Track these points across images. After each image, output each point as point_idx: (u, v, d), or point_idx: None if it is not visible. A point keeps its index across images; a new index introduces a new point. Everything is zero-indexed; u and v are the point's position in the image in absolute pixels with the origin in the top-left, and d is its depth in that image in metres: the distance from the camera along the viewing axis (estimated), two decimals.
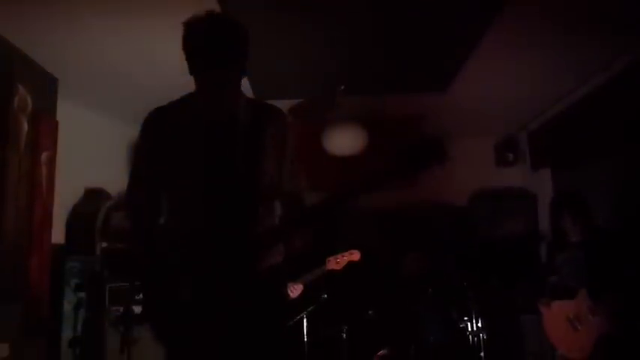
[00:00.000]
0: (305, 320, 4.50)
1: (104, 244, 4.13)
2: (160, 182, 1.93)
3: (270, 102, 4.26)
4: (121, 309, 3.85)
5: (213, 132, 1.88)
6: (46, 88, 3.73)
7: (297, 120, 4.82)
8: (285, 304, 3.10)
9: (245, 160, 1.87)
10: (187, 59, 1.82)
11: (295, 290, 3.47)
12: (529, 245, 5.20)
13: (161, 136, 1.93)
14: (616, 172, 4.21)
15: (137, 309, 3.91)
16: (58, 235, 4.01)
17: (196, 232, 1.82)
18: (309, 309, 4.44)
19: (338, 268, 3.48)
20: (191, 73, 1.83)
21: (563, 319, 3.27)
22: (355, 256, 3.53)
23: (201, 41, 1.76)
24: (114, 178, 4.67)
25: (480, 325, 4.41)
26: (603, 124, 4.13)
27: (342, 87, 4.15)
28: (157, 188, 1.95)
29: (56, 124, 3.82)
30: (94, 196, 4.42)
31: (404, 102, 4.68)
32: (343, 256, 3.49)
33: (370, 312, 4.21)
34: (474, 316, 4.44)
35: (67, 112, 3.99)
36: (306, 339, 4.49)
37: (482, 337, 4.36)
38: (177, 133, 1.89)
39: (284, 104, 4.53)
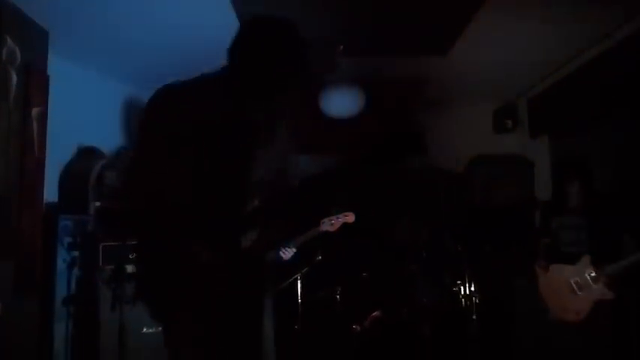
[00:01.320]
0: (299, 282, 4.53)
1: (97, 204, 4.09)
2: (171, 171, 1.81)
3: None
4: (113, 267, 3.86)
5: (246, 130, 1.82)
6: (36, 41, 3.61)
7: None
8: (273, 272, 3.22)
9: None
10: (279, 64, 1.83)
11: (287, 253, 3.42)
12: (524, 212, 5.20)
13: (177, 123, 1.79)
14: (613, 139, 4.18)
15: (130, 267, 3.94)
16: (51, 193, 3.97)
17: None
18: (304, 270, 4.47)
19: (332, 229, 3.46)
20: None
21: (562, 283, 3.28)
22: (350, 217, 3.52)
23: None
24: (107, 137, 4.64)
25: (472, 288, 4.45)
26: (602, 91, 4.09)
27: (341, 47, 4.06)
28: (165, 177, 1.82)
29: (47, 79, 3.71)
30: (87, 154, 4.36)
31: (404, 64, 4.60)
32: (338, 218, 3.47)
33: (364, 274, 4.22)
34: (466, 280, 4.47)
35: (58, 68, 3.90)
36: (300, 300, 4.53)
37: (475, 300, 4.40)
38: (201, 125, 1.77)
39: None
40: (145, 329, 3.96)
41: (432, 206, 5.30)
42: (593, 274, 3.14)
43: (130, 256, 3.98)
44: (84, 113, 4.32)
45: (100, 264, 3.92)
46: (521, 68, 4.73)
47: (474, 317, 4.38)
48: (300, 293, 4.52)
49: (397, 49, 4.31)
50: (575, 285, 3.22)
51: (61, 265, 3.83)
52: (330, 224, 3.45)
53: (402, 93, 5.27)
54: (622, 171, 4.07)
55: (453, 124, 5.66)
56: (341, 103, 4.49)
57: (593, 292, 3.14)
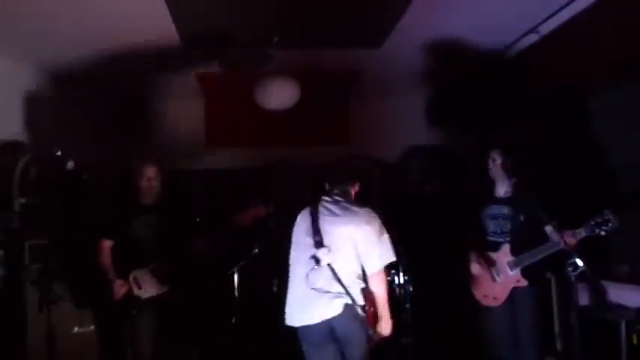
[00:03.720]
0: (236, 275, 4.53)
1: (22, 200, 3.91)
2: None
3: (199, 50, 4.13)
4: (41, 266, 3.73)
5: None
6: None
7: (228, 71, 4.68)
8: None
9: None
10: None
11: (199, 245, 3.57)
12: (455, 202, 5.36)
13: None
14: (541, 130, 4.37)
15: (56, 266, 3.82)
16: None
17: None
18: (241, 264, 4.47)
19: (245, 224, 3.58)
20: None
21: (485, 270, 3.43)
22: (259, 210, 3.60)
23: None
24: (31, 130, 4.42)
25: (406, 278, 4.57)
26: (526, 86, 4.25)
27: (276, 38, 4.03)
28: None
29: None
30: (10, 148, 4.15)
31: (339, 56, 4.61)
32: (247, 213, 3.53)
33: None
34: (400, 270, 4.59)
35: None
36: (237, 293, 4.53)
37: (409, 289, 4.53)
38: None
39: (214, 54, 4.38)
40: (75, 329, 3.86)
41: (367, 196, 5.38)
42: (509, 262, 3.30)
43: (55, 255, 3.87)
44: (4, 104, 4.11)
45: (27, 263, 3.77)
46: (453, 61, 4.84)
47: (407, 306, 4.52)
48: (237, 286, 4.53)
49: (333, 40, 4.33)
50: (495, 271, 3.37)
51: None
52: (241, 220, 3.53)
53: (337, 83, 5.30)
54: (548, 165, 4.27)
55: (388, 114, 5.75)
56: (275, 94, 4.47)
57: (509, 278, 3.30)
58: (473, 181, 5.39)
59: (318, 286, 2.84)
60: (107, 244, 3.59)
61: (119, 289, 3.44)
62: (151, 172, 3.61)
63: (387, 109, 5.76)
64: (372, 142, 5.60)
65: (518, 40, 4.24)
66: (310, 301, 2.86)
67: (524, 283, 3.25)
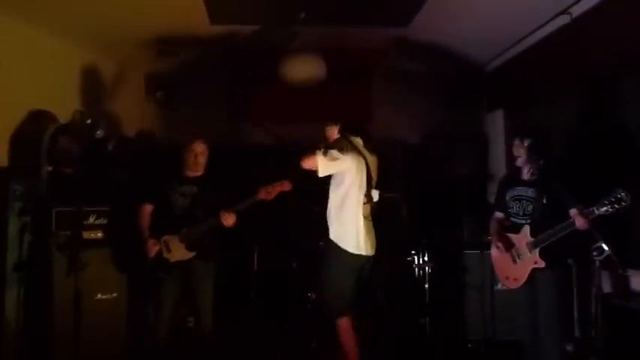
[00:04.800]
0: (256, 252, 4.58)
1: (50, 168, 3.99)
2: None
3: (226, 27, 4.15)
4: (68, 233, 3.80)
5: None
6: None
7: (254, 48, 4.68)
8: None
9: None
10: None
11: (228, 218, 3.56)
12: (477, 184, 5.34)
13: None
14: (567, 113, 4.31)
15: (85, 234, 3.90)
16: (1, 157, 3.86)
17: None
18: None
19: (269, 197, 3.57)
20: None
21: (504, 251, 3.44)
22: (286, 186, 3.62)
23: None
24: (59, 101, 4.49)
25: (425, 258, 4.59)
26: (558, 66, 4.19)
27: (302, 15, 4.01)
28: None
29: None
30: (39, 117, 4.21)
31: (365, 34, 4.58)
32: (274, 187, 3.56)
33: (321, 243, 4.29)
34: (420, 250, 4.61)
35: (6, 28, 3.73)
36: (256, 268, 4.59)
37: (428, 270, 4.55)
38: None
39: (241, 30, 4.38)
40: (99, 295, 3.95)
41: (388, 177, 5.38)
42: (528, 243, 3.29)
43: (85, 222, 3.95)
44: (35, 75, 4.16)
45: (53, 229, 3.86)
46: (481, 42, 4.79)
47: (426, 286, 4.54)
48: (257, 262, 4.59)
49: (359, 18, 4.30)
50: (516, 253, 3.37)
51: (12, 230, 3.74)
52: (267, 192, 3.55)
53: (362, 62, 5.27)
54: (575, 146, 4.22)
55: (412, 95, 5.71)
56: (301, 70, 4.46)
57: (528, 260, 3.30)
58: (496, 162, 5.37)
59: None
60: (148, 208, 3.76)
61: (152, 248, 3.64)
62: (199, 147, 3.75)
63: (412, 89, 5.71)
64: (396, 123, 5.56)
65: (549, 21, 4.18)
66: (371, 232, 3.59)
67: (541, 264, 3.23)
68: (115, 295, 4.02)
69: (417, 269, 4.64)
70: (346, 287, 3.52)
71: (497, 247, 3.48)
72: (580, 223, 3.03)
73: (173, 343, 3.71)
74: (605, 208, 2.95)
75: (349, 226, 3.51)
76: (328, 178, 3.57)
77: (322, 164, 3.44)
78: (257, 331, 4.52)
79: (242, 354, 4.21)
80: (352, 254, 3.49)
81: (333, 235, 3.55)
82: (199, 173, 3.77)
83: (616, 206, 2.91)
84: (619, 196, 2.89)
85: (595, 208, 2.98)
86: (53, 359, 3.73)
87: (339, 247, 3.50)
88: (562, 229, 3.13)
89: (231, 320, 4.57)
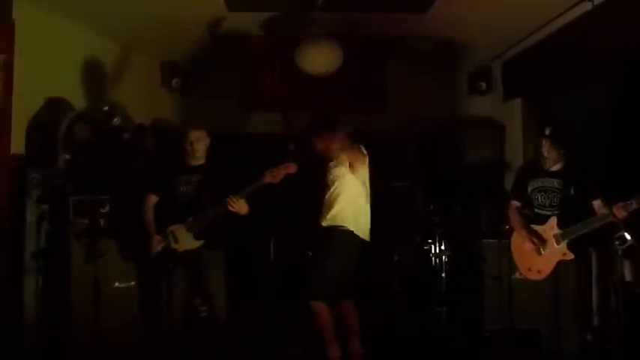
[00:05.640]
0: (272, 241, 4.58)
1: (67, 156, 3.98)
2: None
3: (242, 14, 4.11)
4: (86, 221, 3.80)
5: None
6: None
7: (271, 35, 4.65)
8: None
9: None
10: None
11: (235, 204, 3.50)
12: (494, 173, 5.30)
13: None
14: (586, 104, 4.26)
15: (102, 222, 3.91)
16: (17, 145, 3.85)
17: None
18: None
19: (275, 181, 3.54)
20: None
21: (526, 241, 3.37)
22: (291, 168, 3.59)
23: None
24: (76, 89, 4.48)
25: (442, 247, 4.57)
26: (575, 55, 4.13)
27: (320, 1, 3.96)
28: None
29: (12, 25, 3.56)
30: (55, 106, 4.21)
31: (382, 21, 4.53)
32: (279, 170, 3.53)
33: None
34: (437, 239, 4.59)
35: (25, 14, 3.72)
36: (272, 257, 4.59)
37: (445, 258, 4.53)
38: None
39: (258, 17, 4.34)
40: (116, 283, 3.96)
41: (404, 165, 5.36)
42: (555, 235, 3.25)
43: (102, 210, 3.95)
44: (52, 63, 4.15)
45: (71, 218, 3.86)
46: (499, 30, 4.73)
47: (443, 275, 4.53)
48: (273, 251, 4.59)
49: (377, 4, 4.25)
50: (541, 245, 3.32)
51: (29, 218, 3.75)
52: (272, 176, 3.52)
53: (379, 50, 5.22)
54: (594, 136, 4.17)
55: (428, 83, 5.67)
56: (318, 58, 4.42)
57: (555, 252, 3.26)
58: (513, 151, 5.32)
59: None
60: (152, 199, 3.72)
61: (156, 244, 3.60)
62: (193, 135, 3.69)
63: (428, 77, 5.67)
64: (412, 110, 5.52)
65: (569, 9, 4.12)
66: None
67: (570, 256, 3.19)
68: (132, 283, 4.03)
69: (433, 258, 4.62)
70: (342, 269, 3.58)
71: (528, 240, 3.41)
72: (620, 214, 2.97)
73: (187, 332, 3.71)
74: None
75: (349, 207, 3.61)
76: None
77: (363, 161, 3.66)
78: (272, 321, 4.52)
79: (257, 343, 4.21)
80: (351, 232, 3.58)
81: (330, 218, 3.61)
82: (202, 161, 3.72)
83: None
84: None
85: (634, 201, 2.93)
86: (73, 347, 3.74)
87: (337, 227, 3.58)
88: (597, 220, 3.09)
89: (247, 310, 4.57)
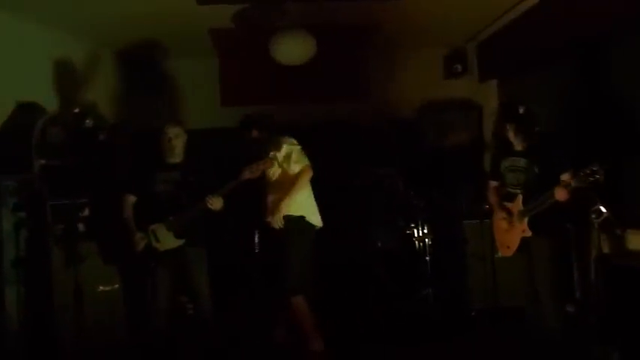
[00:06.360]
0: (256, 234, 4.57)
1: (42, 161, 3.92)
2: None
3: (212, 7, 4.06)
4: (64, 227, 3.76)
5: None
6: None
7: (242, 26, 4.59)
8: None
9: None
10: None
11: (215, 202, 3.52)
12: (473, 155, 5.34)
13: None
14: (559, 81, 4.30)
15: (82, 226, 3.86)
16: None
17: None
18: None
19: (254, 177, 3.58)
20: None
21: (501, 219, 3.46)
22: (269, 163, 3.62)
23: None
24: (47, 93, 4.40)
25: (425, 231, 4.60)
26: (549, 33, 4.15)
27: None
28: None
29: None
30: (27, 110, 4.13)
31: (356, 8, 4.50)
32: (258, 165, 3.54)
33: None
34: (419, 223, 4.62)
35: None
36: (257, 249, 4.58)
37: (427, 242, 4.56)
38: None
39: (229, 9, 4.29)
40: (100, 287, 3.93)
41: (384, 151, 5.37)
42: (519, 212, 3.30)
43: (81, 214, 3.91)
44: (21, 66, 4.07)
45: (49, 224, 3.81)
46: (471, 12, 4.73)
47: (427, 258, 4.56)
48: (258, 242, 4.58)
49: None
50: (509, 221, 3.38)
51: (6, 227, 3.70)
52: (250, 172, 3.53)
53: (355, 37, 5.20)
54: (566, 113, 4.21)
55: (404, 69, 5.67)
56: (291, 49, 4.39)
57: (518, 228, 3.32)
58: (490, 131, 5.36)
59: None
60: (131, 199, 3.69)
61: (139, 242, 3.59)
62: (172, 132, 3.67)
63: (405, 63, 5.67)
64: (390, 97, 5.53)
65: None
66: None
67: (528, 233, 3.25)
68: (116, 286, 4.00)
69: (417, 242, 4.65)
70: (307, 262, 3.78)
71: (500, 217, 3.48)
72: (560, 194, 3.03)
73: (174, 330, 3.70)
74: (583, 182, 2.92)
75: (307, 197, 3.84)
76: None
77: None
78: (259, 315, 4.53)
79: (244, 338, 4.21)
80: (313, 225, 3.82)
81: (296, 208, 3.75)
82: (180, 159, 3.70)
83: (590, 180, 2.90)
84: (594, 169, 2.87)
85: (573, 181, 2.98)
86: (57, 355, 3.71)
87: (303, 219, 3.77)
88: (545, 199, 3.14)
89: (234, 305, 4.57)
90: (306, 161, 3.81)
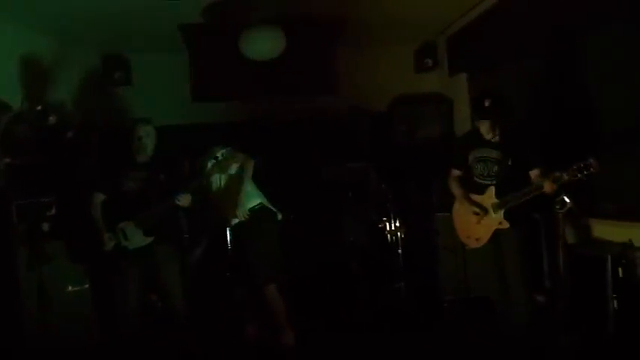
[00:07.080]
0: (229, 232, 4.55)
1: (7, 160, 3.84)
2: None
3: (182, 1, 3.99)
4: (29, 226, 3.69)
5: None
6: None
7: (212, 22, 4.56)
8: None
9: None
10: None
11: (182, 199, 3.53)
12: (444, 148, 5.39)
13: None
14: (529, 74, 4.34)
15: (46, 225, 3.79)
16: None
17: None
18: None
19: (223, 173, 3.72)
20: None
21: (469, 212, 3.46)
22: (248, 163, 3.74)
23: None
24: (12, 90, 4.31)
25: (397, 224, 4.63)
26: (518, 26, 4.19)
27: None
28: None
29: None
30: None
31: (327, 2, 4.49)
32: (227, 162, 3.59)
33: (291, 216, 4.29)
34: (392, 217, 4.65)
35: None
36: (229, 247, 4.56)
37: (400, 235, 4.60)
38: None
39: (199, 4, 4.26)
40: (70, 287, 3.87)
41: (356, 146, 5.40)
42: (493, 204, 3.33)
43: (48, 213, 3.84)
44: None
45: (14, 223, 3.74)
46: (442, 5, 4.75)
47: (400, 251, 4.60)
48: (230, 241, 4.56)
49: None
50: (480, 214, 3.41)
51: None
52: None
53: (325, 32, 5.19)
54: (536, 106, 4.26)
55: (375, 64, 5.69)
56: (261, 44, 4.38)
57: (492, 220, 3.35)
58: (462, 124, 5.41)
59: None
60: (99, 197, 3.64)
61: (107, 240, 3.56)
62: (142, 131, 3.63)
63: (376, 58, 5.69)
64: (361, 92, 5.55)
65: None
66: None
67: (505, 225, 3.29)
68: (86, 286, 3.94)
69: (389, 235, 4.68)
70: (277, 250, 3.88)
71: (470, 210, 3.49)
72: (549, 188, 3.06)
73: (145, 329, 3.66)
74: (575, 175, 2.95)
75: (255, 187, 3.92)
76: None
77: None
78: (234, 311, 4.51)
79: (217, 333, 4.19)
80: (274, 211, 3.92)
81: (253, 199, 3.84)
82: (149, 157, 3.66)
83: (585, 173, 2.95)
84: (588, 163, 2.91)
85: (565, 174, 3.01)
86: (24, 356, 3.62)
87: (264, 206, 3.86)
88: (529, 192, 3.17)
89: (208, 300, 4.55)
90: (241, 155, 3.80)
